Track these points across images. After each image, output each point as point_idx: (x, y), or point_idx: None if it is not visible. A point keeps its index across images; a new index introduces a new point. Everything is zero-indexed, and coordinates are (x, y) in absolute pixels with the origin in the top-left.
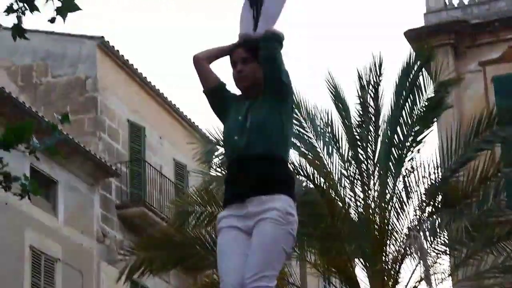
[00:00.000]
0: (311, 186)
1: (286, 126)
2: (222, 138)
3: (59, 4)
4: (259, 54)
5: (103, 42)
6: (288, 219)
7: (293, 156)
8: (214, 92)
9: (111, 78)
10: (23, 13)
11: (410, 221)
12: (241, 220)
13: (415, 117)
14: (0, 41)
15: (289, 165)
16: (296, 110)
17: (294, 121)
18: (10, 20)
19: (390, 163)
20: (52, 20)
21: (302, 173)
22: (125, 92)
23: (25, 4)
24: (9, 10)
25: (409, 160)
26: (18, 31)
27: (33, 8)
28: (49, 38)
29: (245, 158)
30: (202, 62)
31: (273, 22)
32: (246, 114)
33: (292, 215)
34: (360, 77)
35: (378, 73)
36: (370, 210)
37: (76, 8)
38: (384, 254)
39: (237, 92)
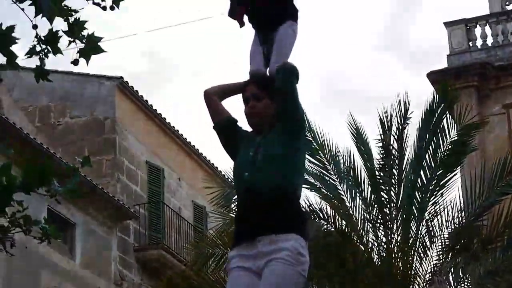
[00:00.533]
0: (333, 229)
1: (298, 161)
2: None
3: (82, 45)
4: (274, 86)
5: (122, 83)
6: (299, 260)
7: (314, 198)
8: (224, 128)
9: (130, 119)
10: (46, 56)
11: (433, 266)
12: (251, 260)
13: (439, 160)
14: (18, 82)
15: (309, 206)
16: (320, 152)
17: (318, 162)
18: (28, 60)
19: (413, 207)
20: (75, 62)
21: (323, 216)
22: (144, 133)
23: (48, 47)
24: (32, 52)
25: (432, 204)
26: (41, 73)
27: (56, 51)
28: (67, 78)
29: (255, 194)
30: (212, 98)
31: (287, 57)
32: (257, 150)
33: (303, 256)
34: (382, 121)
35: (404, 116)
36: (393, 255)
37: (100, 50)
38: None
39: (249, 128)
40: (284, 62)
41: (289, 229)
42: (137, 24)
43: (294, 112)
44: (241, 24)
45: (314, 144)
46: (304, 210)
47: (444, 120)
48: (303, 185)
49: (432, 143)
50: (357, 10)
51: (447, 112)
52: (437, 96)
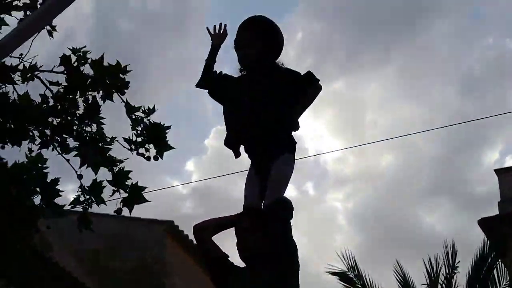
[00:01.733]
0: None
1: None
2: None
3: (125, 194)
4: (266, 221)
5: (172, 226)
6: None
7: None
8: (216, 264)
9: (180, 263)
10: (90, 206)
11: None
12: None
13: None
14: (68, 225)
15: None
16: None
17: None
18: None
19: None
20: (119, 212)
21: None
22: (193, 278)
23: (92, 197)
24: (76, 202)
25: None
26: (84, 223)
27: (100, 201)
28: (117, 222)
29: None
30: (202, 234)
31: (283, 191)
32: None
33: None
34: (428, 270)
35: (452, 266)
36: None
37: (143, 200)
38: None
39: (240, 263)
40: (276, 198)
41: None
42: (187, 168)
43: (284, 250)
44: (237, 154)
45: None
46: None
47: (495, 268)
48: None
49: None
50: (407, 151)
51: (498, 260)
52: (488, 243)
